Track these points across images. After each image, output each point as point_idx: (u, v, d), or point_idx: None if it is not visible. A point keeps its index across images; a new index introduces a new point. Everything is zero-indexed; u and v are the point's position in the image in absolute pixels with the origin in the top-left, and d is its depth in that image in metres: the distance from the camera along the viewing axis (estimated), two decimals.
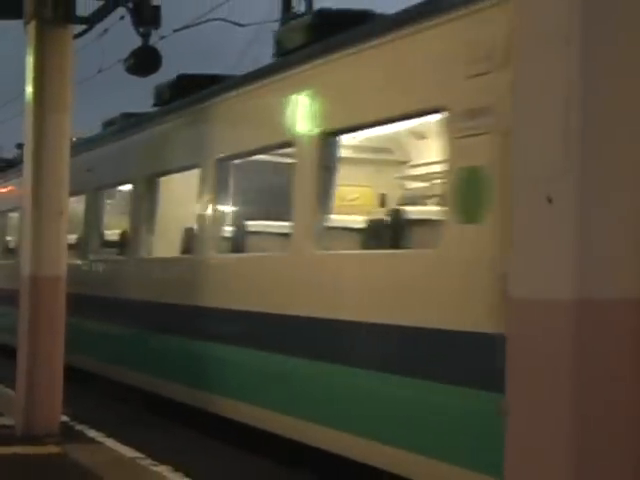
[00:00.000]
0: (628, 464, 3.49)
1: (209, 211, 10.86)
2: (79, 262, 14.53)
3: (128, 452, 9.23)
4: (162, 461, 8.68)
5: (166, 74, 12.94)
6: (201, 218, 11.05)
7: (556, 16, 3.64)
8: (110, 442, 9.74)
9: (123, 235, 13.98)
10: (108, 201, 15.39)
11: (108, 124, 15.79)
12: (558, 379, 3.47)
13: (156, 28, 11.17)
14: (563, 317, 3.46)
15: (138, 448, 9.25)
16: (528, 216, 3.63)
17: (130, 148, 13.87)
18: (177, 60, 13.27)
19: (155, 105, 13.62)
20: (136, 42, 11.32)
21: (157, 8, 11.02)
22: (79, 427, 10.42)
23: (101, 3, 11.00)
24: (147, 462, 8.77)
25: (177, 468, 8.42)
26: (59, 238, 10.35)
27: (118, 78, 15.59)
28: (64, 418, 10.35)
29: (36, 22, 10.33)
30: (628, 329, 3.47)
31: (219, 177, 10.81)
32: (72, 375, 10.94)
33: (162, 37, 12.28)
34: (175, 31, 14.15)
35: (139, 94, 16.39)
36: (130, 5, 10.93)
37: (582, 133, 3.50)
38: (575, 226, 3.46)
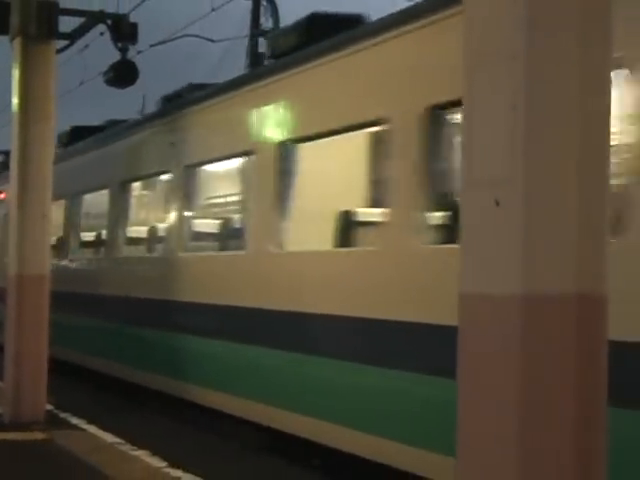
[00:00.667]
0: (568, 447, 3.52)
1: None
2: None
3: (109, 438, 9.20)
4: (140, 446, 8.66)
5: (143, 87, 12.95)
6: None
7: (503, 33, 3.68)
8: (92, 429, 9.71)
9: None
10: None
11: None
12: (505, 366, 3.50)
13: (133, 43, 11.15)
14: (509, 310, 3.49)
15: (118, 434, 9.22)
16: (476, 217, 3.64)
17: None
18: (153, 74, 13.22)
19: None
20: (115, 56, 11.32)
21: (134, 25, 11.00)
22: (63, 415, 10.38)
23: (82, 20, 10.97)
24: (126, 447, 8.75)
25: (154, 452, 8.40)
26: (43, 239, 10.31)
27: (98, 90, 15.55)
28: (49, 407, 10.31)
29: (21, 38, 10.29)
30: (570, 320, 3.50)
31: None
32: (56, 367, 10.87)
33: (139, 52, 12.25)
34: (151, 46, 14.10)
35: (119, 104, 16.37)
36: (109, 22, 10.90)
37: (526, 140, 3.53)
38: (521, 228, 3.48)
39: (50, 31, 10.36)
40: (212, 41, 16.15)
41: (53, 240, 14.37)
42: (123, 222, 13.00)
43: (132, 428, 9.52)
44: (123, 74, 11.17)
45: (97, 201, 14.39)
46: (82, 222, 15.09)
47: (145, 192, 13.61)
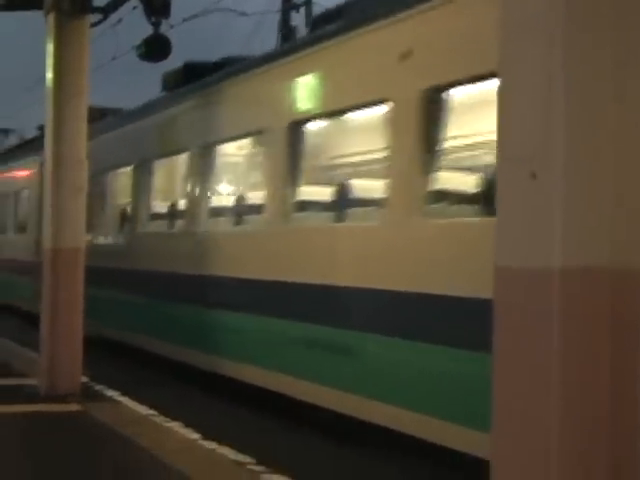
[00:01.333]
0: (605, 420, 3.53)
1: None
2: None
3: (143, 410, 9.28)
4: (174, 418, 8.73)
5: (175, 61, 12.95)
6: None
7: (538, 6, 3.66)
8: (126, 401, 9.79)
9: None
10: None
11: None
12: (541, 340, 3.50)
13: (166, 17, 11.15)
14: (546, 284, 3.49)
15: (152, 406, 9.30)
16: (512, 191, 3.64)
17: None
18: (185, 47, 13.22)
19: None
20: (147, 31, 11.32)
21: (167, 0, 11.00)
22: (98, 387, 10.46)
23: None
24: (160, 419, 8.82)
25: (188, 424, 8.47)
26: (78, 213, 10.37)
27: (131, 65, 15.56)
28: (84, 379, 10.38)
29: (55, 13, 10.32)
30: (605, 294, 3.50)
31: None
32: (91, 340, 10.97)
33: (172, 26, 12.24)
34: (184, 20, 14.09)
35: (151, 79, 16.34)
36: None
37: (563, 113, 3.51)
38: (557, 201, 3.47)
39: (84, 6, 10.39)
40: (244, 14, 16.12)
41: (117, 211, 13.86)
42: (204, 191, 11.29)
43: (166, 400, 9.60)
44: (156, 48, 11.18)
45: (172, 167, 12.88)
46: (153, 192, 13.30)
47: (237, 155, 11.67)
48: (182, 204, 12.00)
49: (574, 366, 3.48)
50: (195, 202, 11.41)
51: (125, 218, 14.05)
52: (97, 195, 14.49)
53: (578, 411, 3.50)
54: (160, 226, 12.92)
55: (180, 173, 12.21)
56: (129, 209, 13.86)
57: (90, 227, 11.96)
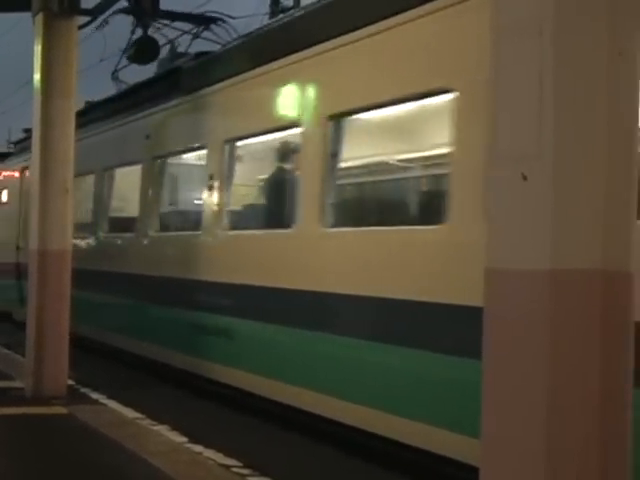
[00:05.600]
0: (595, 423, 3.52)
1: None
2: None
3: (129, 413, 9.25)
4: (161, 421, 8.70)
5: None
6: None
7: (528, 6, 3.66)
8: (113, 404, 9.76)
9: None
10: None
11: None
12: (531, 342, 3.49)
13: (155, 20, 11.14)
14: (536, 286, 3.48)
15: (138, 409, 9.27)
16: (503, 192, 3.63)
17: None
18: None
19: None
20: (127, 35, 11.33)
21: (155, 1, 10.98)
22: (84, 390, 10.43)
23: None
24: (146, 422, 8.79)
25: (175, 427, 8.44)
26: (65, 214, 10.32)
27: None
28: (70, 382, 10.35)
29: (43, 14, 10.28)
30: (595, 296, 3.49)
31: None
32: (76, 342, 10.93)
33: (159, 28, 12.25)
34: (172, 22, 14.06)
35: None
36: None
37: (554, 115, 3.51)
38: (548, 203, 3.47)
39: (72, 7, 10.34)
40: (232, 18, 16.09)
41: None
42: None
43: (152, 403, 9.57)
44: (145, 50, 11.16)
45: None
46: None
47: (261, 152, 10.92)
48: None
49: (564, 369, 3.47)
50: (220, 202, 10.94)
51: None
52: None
53: (568, 414, 3.49)
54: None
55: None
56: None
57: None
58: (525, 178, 3.51)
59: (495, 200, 3.67)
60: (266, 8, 19.95)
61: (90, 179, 14.81)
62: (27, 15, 10.86)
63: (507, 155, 3.63)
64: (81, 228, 14.21)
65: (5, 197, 20.84)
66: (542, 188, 3.49)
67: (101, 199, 14.65)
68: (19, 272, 17.56)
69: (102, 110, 15.00)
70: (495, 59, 3.81)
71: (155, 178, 12.58)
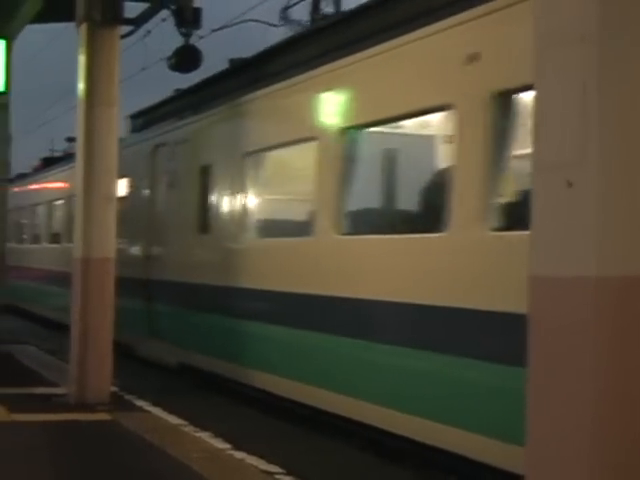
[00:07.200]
0: None
1: None
2: None
3: (172, 419, 9.29)
4: (204, 428, 8.73)
5: (205, 71, 12.99)
6: None
7: (573, 13, 3.65)
8: (156, 410, 9.80)
9: None
10: None
11: None
12: (578, 350, 3.47)
13: (197, 28, 11.21)
14: (582, 293, 3.46)
15: (181, 416, 9.31)
16: (548, 200, 3.62)
17: None
18: (215, 58, 13.28)
19: None
20: (174, 42, 11.38)
21: (198, 10, 11.05)
22: (127, 397, 10.49)
23: (146, 6, 11.05)
24: (190, 428, 8.83)
25: (218, 434, 8.47)
26: (108, 222, 10.41)
27: (159, 76, 15.65)
28: (113, 388, 10.42)
29: (87, 24, 10.40)
30: None
31: None
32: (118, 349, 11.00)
33: (201, 37, 12.31)
34: (213, 31, 14.17)
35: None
36: (173, 7, 10.98)
37: (599, 121, 3.50)
38: (593, 209, 3.45)
39: (115, 17, 10.46)
40: (274, 26, 16.18)
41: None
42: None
43: (195, 410, 9.61)
44: (186, 59, 11.24)
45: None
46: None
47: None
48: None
49: (612, 375, 3.45)
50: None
51: None
52: None
53: (614, 423, 3.47)
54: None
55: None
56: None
57: None
58: (570, 185, 3.50)
59: (539, 207, 3.66)
60: (306, 16, 20.02)
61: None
62: (66, 26, 10.99)
63: (551, 162, 3.62)
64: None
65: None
66: (587, 195, 3.48)
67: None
68: (148, 292, 13.78)
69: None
70: (538, 66, 3.80)
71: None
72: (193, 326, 12.25)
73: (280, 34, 15.33)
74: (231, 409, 10.61)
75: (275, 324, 10.08)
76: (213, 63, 13.24)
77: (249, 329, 10.64)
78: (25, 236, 24.74)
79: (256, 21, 15.90)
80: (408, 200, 8.86)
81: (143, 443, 8.16)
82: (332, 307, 8.96)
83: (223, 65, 13.60)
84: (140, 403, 10.19)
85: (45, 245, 21.97)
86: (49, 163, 24.74)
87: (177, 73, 11.82)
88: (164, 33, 12.65)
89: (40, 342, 16.03)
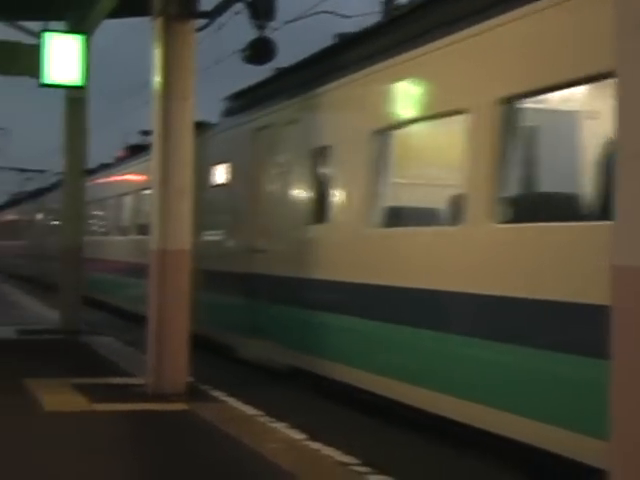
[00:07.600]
0: None
1: None
2: None
3: (248, 410, 9.34)
4: (280, 419, 8.77)
5: (278, 63, 13.01)
6: None
7: None
8: (231, 401, 9.87)
9: None
10: None
11: None
12: None
13: (271, 20, 11.22)
14: None
15: (257, 407, 9.36)
16: (633, 187, 3.56)
17: None
18: (289, 49, 13.29)
19: None
20: (241, 37, 11.39)
21: (272, 2, 11.07)
22: (203, 387, 10.57)
23: None
24: (266, 419, 8.87)
25: (294, 425, 8.49)
26: (183, 215, 10.49)
27: (233, 68, 15.71)
28: (189, 379, 10.51)
29: (163, 18, 10.48)
30: None
31: None
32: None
33: (275, 29, 12.32)
34: (286, 23, 14.18)
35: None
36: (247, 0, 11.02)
37: None
38: None
39: (190, 10, 10.54)
40: (347, 17, 16.12)
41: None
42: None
43: (271, 401, 9.65)
44: (261, 51, 11.26)
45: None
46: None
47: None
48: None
49: None
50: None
51: None
52: None
53: None
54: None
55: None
56: None
57: None
58: None
59: (624, 196, 3.59)
60: (378, 7, 19.96)
61: None
62: (136, 21, 11.09)
63: (636, 150, 3.55)
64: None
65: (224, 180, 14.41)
66: None
67: None
68: (253, 289, 12.56)
69: None
70: (620, 53, 3.73)
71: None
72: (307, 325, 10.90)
73: (352, 25, 15.27)
74: (310, 402, 10.62)
75: (413, 326, 8.68)
76: (286, 55, 13.25)
77: (380, 332, 9.33)
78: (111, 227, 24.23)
79: (330, 12, 15.86)
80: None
81: (219, 433, 8.22)
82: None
83: (298, 57, 13.59)
84: (216, 393, 10.27)
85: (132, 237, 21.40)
86: (136, 151, 23.75)
87: (250, 65, 11.84)
88: (238, 26, 12.70)
89: (117, 333, 16.25)
